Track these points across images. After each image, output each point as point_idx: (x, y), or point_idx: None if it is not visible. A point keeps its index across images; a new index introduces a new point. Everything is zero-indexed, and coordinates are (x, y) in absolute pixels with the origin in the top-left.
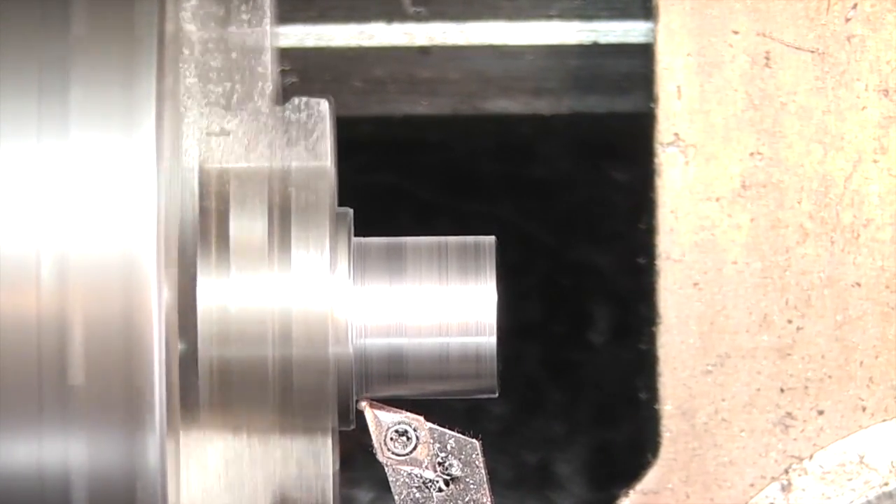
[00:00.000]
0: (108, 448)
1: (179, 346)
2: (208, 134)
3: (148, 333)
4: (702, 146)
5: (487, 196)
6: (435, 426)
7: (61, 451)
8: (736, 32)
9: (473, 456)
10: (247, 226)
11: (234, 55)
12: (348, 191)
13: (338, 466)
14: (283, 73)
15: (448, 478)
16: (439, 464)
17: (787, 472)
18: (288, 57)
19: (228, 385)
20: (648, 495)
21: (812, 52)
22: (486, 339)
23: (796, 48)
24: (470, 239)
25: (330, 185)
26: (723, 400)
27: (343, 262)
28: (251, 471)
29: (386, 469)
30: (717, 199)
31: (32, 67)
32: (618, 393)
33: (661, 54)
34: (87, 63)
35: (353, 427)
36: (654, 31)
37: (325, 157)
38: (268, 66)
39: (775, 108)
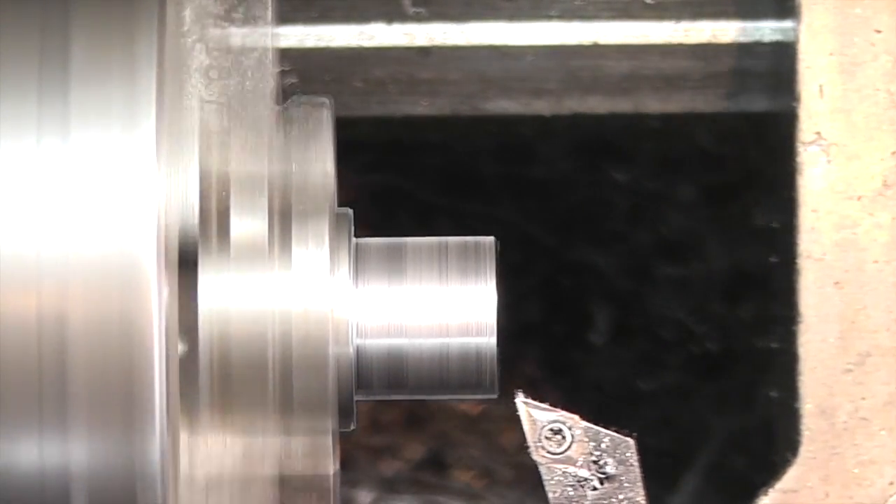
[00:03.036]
0: (108, 449)
1: (180, 347)
2: (208, 133)
3: (148, 334)
4: (843, 145)
5: (487, 197)
6: (590, 424)
7: (61, 451)
8: (878, 31)
9: (628, 454)
10: (247, 226)
11: (233, 55)
12: (348, 191)
13: (338, 467)
14: (282, 73)
15: (603, 476)
16: (594, 462)
17: None
18: (288, 57)
19: (229, 385)
20: (788, 494)
21: None
22: (487, 339)
23: None
24: (470, 239)
25: (330, 185)
26: (863, 399)
27: (343, 262)
28: (251, 471)
29: (540, 468)
30: (859, 198)
31: (32, 67)
32: (618, 394)
33: (804, 53)
34: (87, 62)
35: (353, 428)
36: (796, 30)
37: (324, 157)
38: (268, 66)
39: None
